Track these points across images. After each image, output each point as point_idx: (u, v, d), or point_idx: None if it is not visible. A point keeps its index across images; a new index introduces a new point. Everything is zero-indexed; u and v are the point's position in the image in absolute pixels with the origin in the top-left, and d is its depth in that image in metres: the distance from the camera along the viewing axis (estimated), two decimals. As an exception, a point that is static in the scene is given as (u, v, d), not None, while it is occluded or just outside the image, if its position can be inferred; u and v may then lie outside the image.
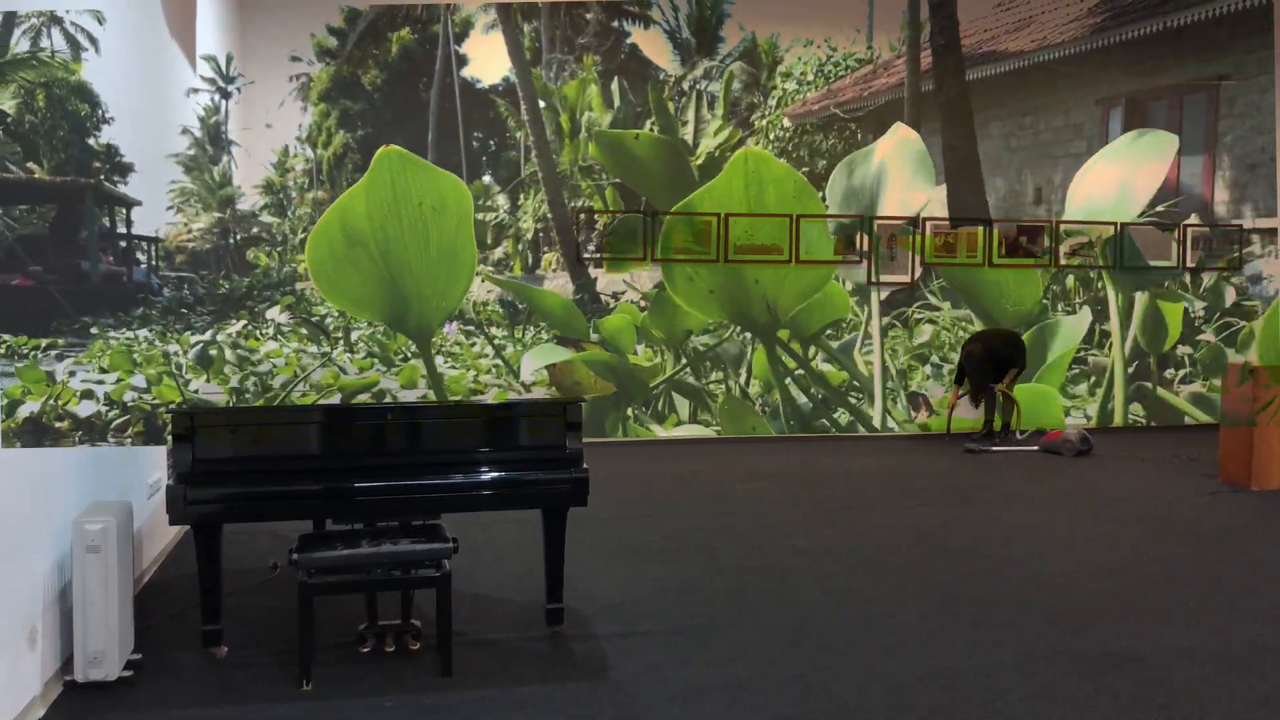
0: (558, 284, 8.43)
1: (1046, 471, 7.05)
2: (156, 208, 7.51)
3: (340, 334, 8.00)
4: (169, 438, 3.59)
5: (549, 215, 8.50)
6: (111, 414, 5.57)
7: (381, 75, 8.30)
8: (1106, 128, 9.12)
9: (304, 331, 7.90)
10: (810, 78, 8.79)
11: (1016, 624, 3.84)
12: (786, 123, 8.76)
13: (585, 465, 3.64)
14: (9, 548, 2.88)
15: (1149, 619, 3.90)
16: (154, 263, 7.49)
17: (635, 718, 3.03)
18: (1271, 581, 4.40)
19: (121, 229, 7.38)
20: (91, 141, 7.26)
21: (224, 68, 7.78)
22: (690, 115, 8.64)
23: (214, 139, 7.84)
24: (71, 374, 5.50)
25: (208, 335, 7.61)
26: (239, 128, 7.92)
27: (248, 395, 7.67)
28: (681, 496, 6.22)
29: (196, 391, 7.30)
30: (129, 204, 7.47)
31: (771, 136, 8.76)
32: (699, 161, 8.59)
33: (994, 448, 7.87)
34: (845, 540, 5.12)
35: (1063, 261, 8.87)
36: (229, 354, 7.66)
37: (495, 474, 3.57)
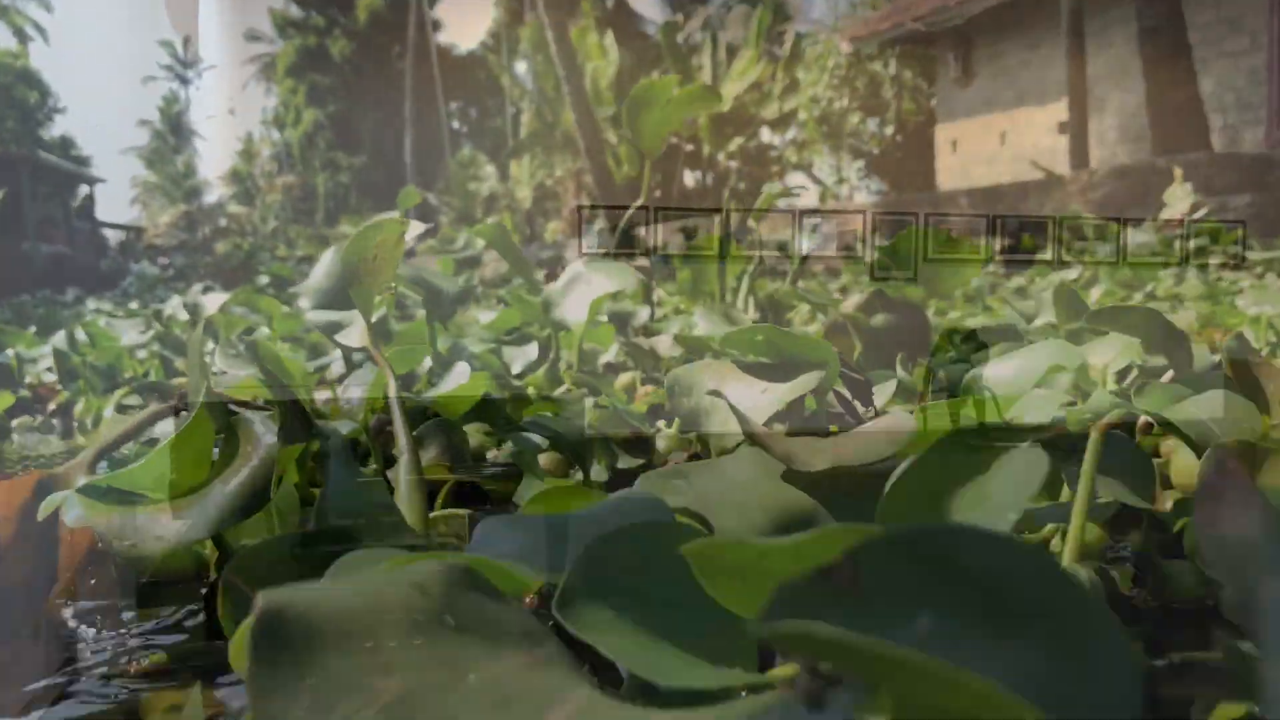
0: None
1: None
2: (120, 201, 7.10)
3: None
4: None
5: (547, 182, 7.89)
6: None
7: (351, 45, 7.67)
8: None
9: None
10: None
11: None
12: (845, 47, 7.27)
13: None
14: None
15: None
16: (132, 251, 6.96)
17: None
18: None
19: (86, 211, 6.81)
20: (43, 133, 6.70)
21: (181, 52, 7.36)
22: (706, 59, 7.75)
23: (175, 129, 7.34)
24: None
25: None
26: (202, 116, 7.54)
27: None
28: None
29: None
30: (83, 180, 6.66)
31: (828, 66, 7.38)
32: (725, 108, 8.05)
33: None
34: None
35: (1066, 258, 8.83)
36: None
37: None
